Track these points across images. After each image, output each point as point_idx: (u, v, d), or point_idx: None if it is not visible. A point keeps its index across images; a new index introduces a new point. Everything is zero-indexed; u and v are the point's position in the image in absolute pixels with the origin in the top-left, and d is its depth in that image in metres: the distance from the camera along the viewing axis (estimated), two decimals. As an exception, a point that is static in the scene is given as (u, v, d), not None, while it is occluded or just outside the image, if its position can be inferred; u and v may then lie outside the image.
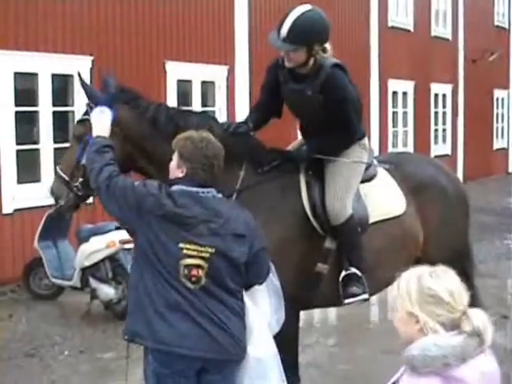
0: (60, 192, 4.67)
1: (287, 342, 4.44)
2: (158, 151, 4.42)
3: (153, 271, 3.59)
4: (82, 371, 6.82)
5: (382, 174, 4.96)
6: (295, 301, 4.46)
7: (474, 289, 5.59)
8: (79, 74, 4.71)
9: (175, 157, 3.78)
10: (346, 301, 4.62)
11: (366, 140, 4.84)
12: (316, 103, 4.57)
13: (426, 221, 5.02)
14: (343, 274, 4.55)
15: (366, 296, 4.62)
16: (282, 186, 4.57)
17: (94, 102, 4.41)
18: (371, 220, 4.73)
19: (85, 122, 4.48)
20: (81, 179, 4.55)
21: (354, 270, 4.54)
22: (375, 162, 5.00)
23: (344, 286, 4.57)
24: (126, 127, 4.44)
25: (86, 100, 4.56)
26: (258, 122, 4.85)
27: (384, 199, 4.82)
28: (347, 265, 4.55)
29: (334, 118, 4.57)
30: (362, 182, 4.76)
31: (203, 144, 3.75)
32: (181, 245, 3.59)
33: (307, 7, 4.45)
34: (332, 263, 4.57)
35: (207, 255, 3.61)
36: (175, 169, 3.78)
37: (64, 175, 4.64)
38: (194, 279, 3.58)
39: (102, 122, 4.22)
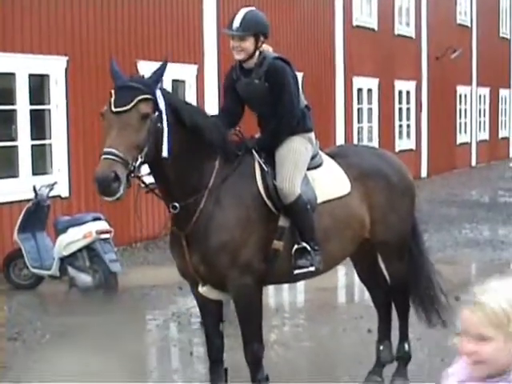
0: (122, 176, 4.41)
1: (252, 312, 5.09)
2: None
3: None
4: (62, 352, 7.26)
5: (328, 162, 5.54)
6: (259, 275, 5.05)
7: (428, 267, 6.10)
8: (112, 62, 5.06)
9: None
10: (295, 271, 5.15)
11: (311, 134, 5.45)
12: (263, 90, 5.22)
13: (372, 207, 5.60)
14: (295, 247, 5.12)
15: (312, 268, 5.14)
16: (241, 173, 5.12)
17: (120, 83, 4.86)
18: (319, 200, 5.28)
19: (148, 101, 4.67)
20: (140, 160, 4.58)
21: (304, 244, 5.10)
22: (321, 152, 5.57)
23: (295, 259, 5.13)
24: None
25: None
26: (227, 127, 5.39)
27: (329, 182, 5.39)
28: (299, 240, 5.11)
29: (278, 105, 5.18)
30: (310, 169, 5.34)
31: None
32: None
33: (252, 8, 5.33)
34: (286, 240, 5.12)
35: None
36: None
37: (124, 156, 4.45)
38: None
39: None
